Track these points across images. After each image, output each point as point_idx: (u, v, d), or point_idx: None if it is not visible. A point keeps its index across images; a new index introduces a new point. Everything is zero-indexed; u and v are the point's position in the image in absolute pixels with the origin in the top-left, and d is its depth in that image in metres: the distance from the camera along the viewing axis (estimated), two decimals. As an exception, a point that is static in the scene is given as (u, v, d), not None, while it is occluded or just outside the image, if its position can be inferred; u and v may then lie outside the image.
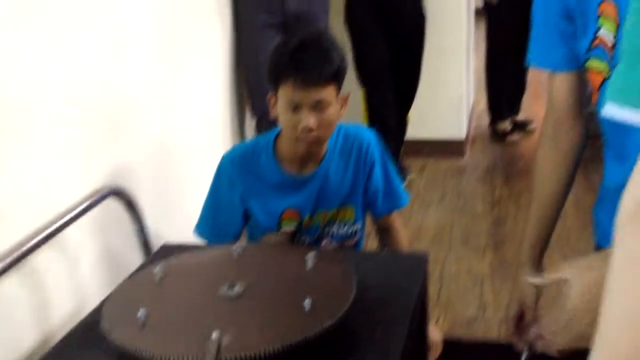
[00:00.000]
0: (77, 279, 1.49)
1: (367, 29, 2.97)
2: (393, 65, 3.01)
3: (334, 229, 1.60)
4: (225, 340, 0.90)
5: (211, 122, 2.35)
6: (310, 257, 1.12)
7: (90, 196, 1.43)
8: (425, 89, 3.19)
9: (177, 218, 1.90)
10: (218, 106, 2.40)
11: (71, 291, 1.46)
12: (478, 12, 4.12)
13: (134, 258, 1.59)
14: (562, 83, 1.17)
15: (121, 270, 1.51)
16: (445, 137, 3.51)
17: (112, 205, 1.54)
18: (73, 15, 1.50)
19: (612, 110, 0.40)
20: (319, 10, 2.56)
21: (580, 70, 1.11)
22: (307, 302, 0.96)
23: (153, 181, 1.84)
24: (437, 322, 2.05)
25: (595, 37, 1.03)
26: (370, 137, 1.61)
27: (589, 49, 1.06)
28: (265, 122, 2.41)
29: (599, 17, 1.02)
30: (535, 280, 1.13)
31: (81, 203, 1.40)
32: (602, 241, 1.15)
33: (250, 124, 2.61)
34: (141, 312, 0.97)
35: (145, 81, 1.85)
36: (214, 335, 0.90)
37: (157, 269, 1.11)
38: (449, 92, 3.45)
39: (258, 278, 1.09)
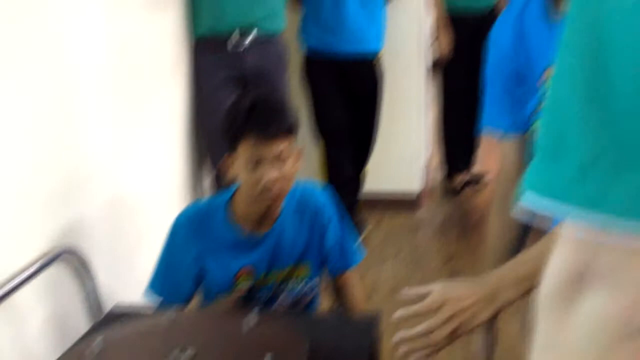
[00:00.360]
0: (25, 344, 1.45)
1: (325, 86, 3.03)
2: (350, 121, 3.07)
3: (289, 286, 1.60)
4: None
5: (168, 179, 2.34)
6: (261, 321, 1.12)
7: (41, 257, 1.41)
8: (381, 144, 3.25)
9: (131, 277, 1.87)
10: (176, 162, 2.40)
11: (18, 357, 1.42)
12: (432, 67, 4.25)
13: (85, 320, 1.55)
14: (512, 145, 1.21)
15: (71, 333, 1.47)
16: (401, 191, 3.57)
17: (65, 266, 1.51)
18: (25, 69, 1.50)
19: (531, 202, 0.40)
20: (277, 67, 2.60)
21: (529, 133, 1.16)
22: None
23: (107, 239, 1.82)
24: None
25: (540, 101, 1.09)
26: (326, 196, 1.64)
27: (534, 113, 1.11)
28: (223, 178, 2.42)
29: (544, 81, 1.08)
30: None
31: (32, 265, 1.37)
32: None
33: (208, 180, 2.61)
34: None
35: (100, 137, 1.85)
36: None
37: (99, 341, 1.08)
38: (404, 146, 3.52)
39: (210, 342, 1.08)
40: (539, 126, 0.43)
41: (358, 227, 3.13)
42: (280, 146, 1.46)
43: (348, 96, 3.05)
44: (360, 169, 3.24)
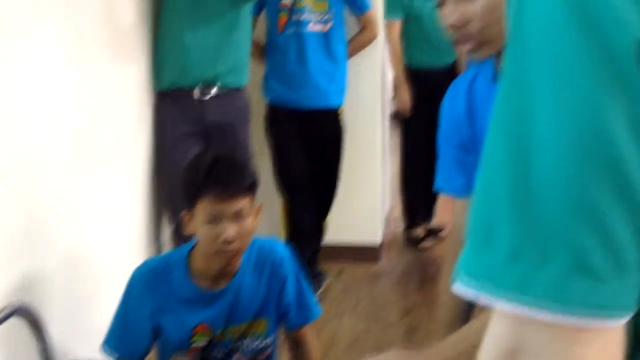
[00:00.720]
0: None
1: (287, 140, 3.07)
2: (312, 174, 3.11)
3: (246, 342, 1.60)
4: None
5: (127, 232, 2.33)
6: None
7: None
8: (342, 195, 3.29)
9: (88, 332, 1.84)
10: (135, 215, 2.39)
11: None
12: (393, 121, 4.34)
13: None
14: (464, 209, 1.25)
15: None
16: (362, 242, 3.59)
17: (19, 322, 1.48)
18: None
19: (465, 284, 0.44)
20: (239, 120, 2.63)
21: None
22: None
23: (63, 294, 1.80)
24: None
25: None
26: (284, 251, 1.65)
27: None
28: (182, 232, 2.41)
29: None
30: None
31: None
32: None
33: (167, 233, 2.60)
34: None
35: (58, 190, 1.84)
36: None
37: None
38: (365, 198, 3.56)
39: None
40: (471, 210, 0.47)
41: (319, 278, 3.14)
42: (239, 204, 1.48)
43: (310, 148, 3.10)
44: (322, 220, 3.27)
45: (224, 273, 1.55)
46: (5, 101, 1.61)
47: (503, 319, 0.44)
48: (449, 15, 1.06)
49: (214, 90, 2.50)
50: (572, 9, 0.43)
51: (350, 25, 3.21)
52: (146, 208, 2.46)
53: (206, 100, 2.50)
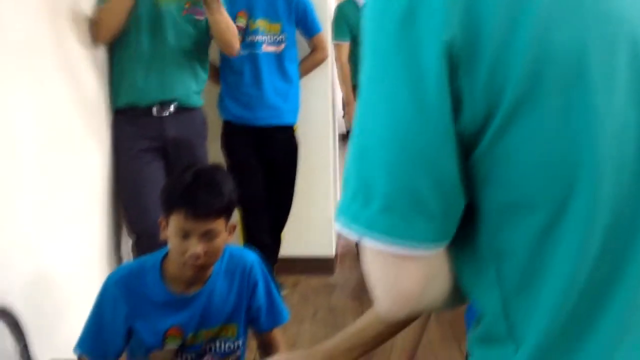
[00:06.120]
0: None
1: (244, 156, 3.14)
2: (268, 189, 3.19)
3: (217, 345, 1.65)
4: None
5: (89, 244, 2.36)
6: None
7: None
8: (296, 210, 3.39)
9: (56, 339, 1.87)
10: (95, 228, 2.42)
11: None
12: (344, 138, 4.47)
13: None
14: None
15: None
16: (316, 255, 3.69)
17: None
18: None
19: (343, 227, 0.63)
20: (197, 136, 2.68)
21: None
22: None
23: (33, 303, 1.82)
24: None
25: None
26: (254, 258, 1.70)
27: None
28: (143, 241, 2.45)
29: None
30: None
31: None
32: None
33: (126, 244, 2.64)
34: None
35: (18, 204, 1.86)
36: None
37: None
38: (318, 212, 3.66)
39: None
40: (349, 169, 0.64)
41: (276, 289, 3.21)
42: (210, 225, 1.50)
43: (266, 163, 3.18)
44: (278, 233, 3.35)
45: (197, 279, 1.60)
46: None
47: (362, 248, 0.64)
48: None
49: (171, 109, 2.55)
50: (399, 8, 0.59)
51: (301, 46, 3.33)
52: (106, 223, 2.49)
53: (164, 117, 2.54)
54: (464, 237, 0.64)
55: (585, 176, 0.58)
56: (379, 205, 0.60)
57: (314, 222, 3.65)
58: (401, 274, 0.62)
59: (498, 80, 0.57)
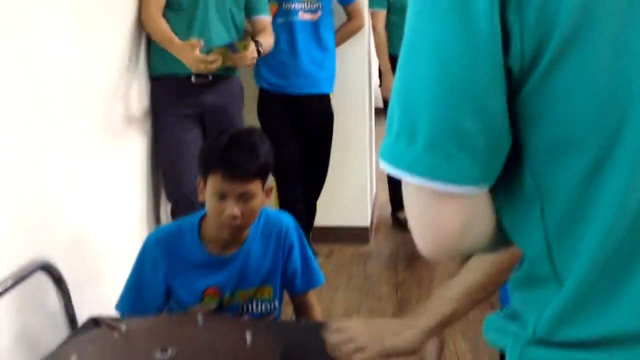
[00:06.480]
0: None
1: (279, 125, 3.15)
2: (303, 158, 3.21)
3: (254, 306, 1.67)
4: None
5: (128, 207, 2.40)
6: (239, 326, 1.21)
7: (19, 271, 1.46)
8: (332, 180, 3.40)
9: (96, 298, 1.92)
10: (135, 192, 2.47)
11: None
12: (379, 111, 4.45)
13: (58, 333, 1.60)
14: None
15: (46, 344, 1.51)
16: (351, 225, 3.70)
17: (35, 281, 1.56)
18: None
19: (383, 165, 0.64)
20: (234, 104, 2.70)
21: None
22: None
23: (74, 262, 1.87)
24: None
25: None
26: (290, 221, 1.72)
27: None
28: (180, 208, 2.50)
29: None
30: None
31: (9, 278, 1.43)
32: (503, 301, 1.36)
33: (166, 210, 2.69)
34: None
35: (67, 169, 1.91)
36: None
37: (92, 334, 1.16)
38: (353, 183, 3.67)
39: (189, 344, 1.16)
40: (393, 109, 0.64)
41: (310, 258, 3.23)
42: (246, 187, 1.52)
43: (301, 132, 3.19)
44: (313, 202, 3.37)
45: (233, 240, 1.62)
46: (23, 78, 1.68)
47: (404, 188, 0.65)
48: None
49: (209, 77, 2.57)
50: None
51: (337, 15, 3.31)
52: (145, 187, 2.54)
53: (202, 85, 2.57)
54: (508, 178, 0.63)
55: (636, 113, 0.57)
56: (423, 143, 0.60)
57: (349, 191, 3.65)
58: (442, 214, 0.62)
59: (549, 15, 0.56)
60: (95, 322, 1.36)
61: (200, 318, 1.33)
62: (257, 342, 1.17)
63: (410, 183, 0.62)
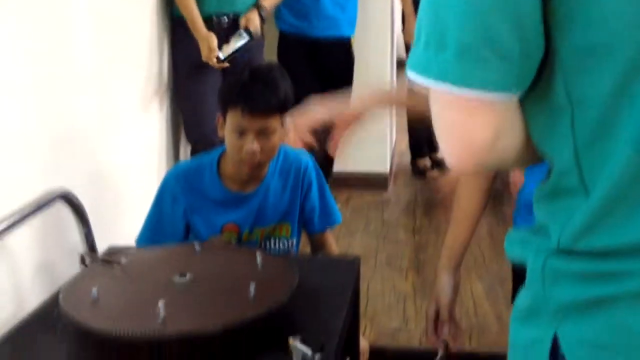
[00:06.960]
0: (18, 282, 1.52)
1: (299, 68, 3.12)
2: (323, 102, 3.18)
3: (272, 243, 1.68)
4: (171, 317, 0.98)
5: (148, 144, 2.42)
6: (256, 254, 1.22)
7: (39, 200, 1.48)
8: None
9: (116, 229, 1.95)
10: (155, 129, 2.48)
11: (10, 294, 1.49)
12: (400, 62, 4.39)
13: (77, 263, 1.62)
14: None
15: (64, 275, 1.54)
16: (369, 171, 3.70)
17: (55, 211, 1.59)
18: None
19: (411, 76, 0.63)
20: (254, 45, 2.69)
21: None
22: (251, 290, 1.06)
23: (94, 194, 1.88)
24: (364, 332, 2.18)
25: None
26: (308, 160, 1.72)
27: None
28: (200, 148, 2.51)
29: None
30: None
31: (29, 206, 1.45)
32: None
33: (185, 151, 2.71)
34: (94, 292, 1.06)
35: (94, 107, 1.92)
36: (161, 312, 0.99)
37: (113, 259, 1.18)
38: (373, 129, 3.64)
39: (207, 270, 1.18)
40: (421, 21, 0.62)
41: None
42: (266, 123, 1.51)
43: (321, 76, 3.15)
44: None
45: (252, 177, 1.62)
46: (47, 28, 1.67)
47: (432, 99, 0.64)
48: None
49: (230, 18, 2.56)
50: None
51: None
52: (165, 125, 2.55)
53: (224, 27, 2.55)
54: (539, 88, 0.62)
55: None
56: (453, 51, 0.59)
57: (369, 138, 3.62)
58: (473, 123, 0.61)
59: None
60: (115, 252, 1.38)
61: (222, 247, 1.34)
62: (276, 269, 1.18)
63: (440, 92, 0.61)
